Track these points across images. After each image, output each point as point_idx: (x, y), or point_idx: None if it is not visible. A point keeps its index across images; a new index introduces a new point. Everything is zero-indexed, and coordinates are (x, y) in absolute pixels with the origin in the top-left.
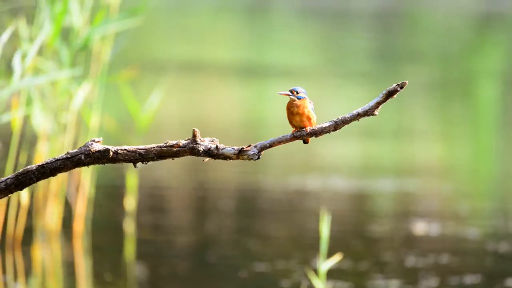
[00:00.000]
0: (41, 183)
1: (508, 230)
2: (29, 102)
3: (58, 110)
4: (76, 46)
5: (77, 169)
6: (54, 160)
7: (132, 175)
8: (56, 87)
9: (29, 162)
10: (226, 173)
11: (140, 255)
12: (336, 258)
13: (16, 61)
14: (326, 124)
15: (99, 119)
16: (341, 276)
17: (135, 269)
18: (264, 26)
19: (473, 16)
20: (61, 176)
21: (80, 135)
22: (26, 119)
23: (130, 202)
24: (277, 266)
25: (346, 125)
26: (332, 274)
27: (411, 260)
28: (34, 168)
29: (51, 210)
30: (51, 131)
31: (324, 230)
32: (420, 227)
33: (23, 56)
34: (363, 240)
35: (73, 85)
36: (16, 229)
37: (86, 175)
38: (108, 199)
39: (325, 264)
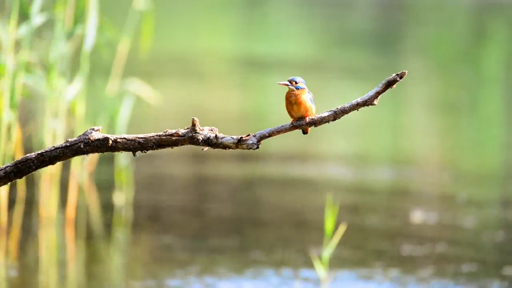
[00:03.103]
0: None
1: (505, 219)
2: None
3: (52, 99)
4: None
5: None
6: (53, 148)
7: (129, 164)
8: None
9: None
10: (225, 162)
11: (135, 241)
12: (335, 243)
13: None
14: (326, 114)
15: (84, 108)
16: (339, 264)
17: (130, 256)
18: (263, 16)
19: (472, 5)
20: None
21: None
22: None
23: (127, 190)
24: (276, 254)
25: (345, 115)
26: (329, 262)
27: (408, 249)
28: (33, 156)
29: (46, 196)
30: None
31: (329, 218)
32: (417, 216)
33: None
34: (361, 229)
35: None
36: (11, 215)
37: (77, 162)
38: (105, 186)
39: (326, 252)
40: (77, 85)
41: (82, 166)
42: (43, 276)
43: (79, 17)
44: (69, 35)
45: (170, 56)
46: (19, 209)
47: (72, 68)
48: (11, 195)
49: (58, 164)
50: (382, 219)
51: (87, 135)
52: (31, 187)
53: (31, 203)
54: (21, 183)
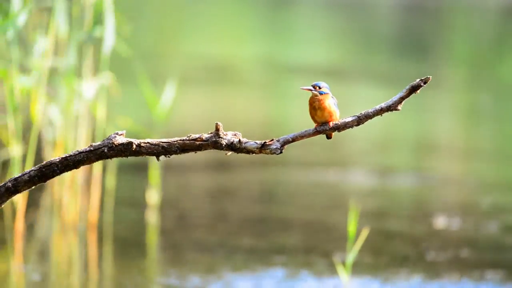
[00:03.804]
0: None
1: None
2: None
3: (68, 103)
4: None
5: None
6: (77, 152)
7: (155, 167)
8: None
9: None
10: (249, 167)
11: (160, 247)
12: (357, 248)
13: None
14: (349, 119)
15: (105, 112)
16: (361, 269)
17: (155, 262)
18: (288, 20)
19: (498, 9)
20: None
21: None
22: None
23: (153, 194)
24: (298, 258)
25: (369, 120)
26: (352, 267)
27: (431, 254)
28: (58, 160)
29: (68, 200)
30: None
31: (352, 223)
32: (440, 222)
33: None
34: (383, 234)
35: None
36: (35, 219)
37: (99, 166)
38: (130, 190)
39: (349, 257)
40: (97, 86)
41: (106, 170)
42: (66, 279)
43: (97, 19)
44: (89, 38)
45: (193, 62)
46: (41, 213)
47: (93, 69)
48: (34, 199)
49: (81, 168)
50: (405, 224)
51: (111, 140)
52: (54, 191)
53: (53, 207)
54: (44, 187)
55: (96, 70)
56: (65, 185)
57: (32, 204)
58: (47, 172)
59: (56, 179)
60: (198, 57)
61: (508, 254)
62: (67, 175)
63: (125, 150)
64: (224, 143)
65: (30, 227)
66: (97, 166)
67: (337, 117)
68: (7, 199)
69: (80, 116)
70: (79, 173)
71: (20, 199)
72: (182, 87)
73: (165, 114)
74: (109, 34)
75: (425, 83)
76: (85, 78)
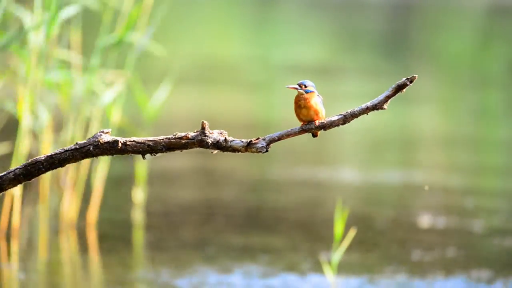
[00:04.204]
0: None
1: None
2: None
3: (81, 105)
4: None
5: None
6: (63, 150)
7: (141, 166)
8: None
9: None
10: (235, 164)
11: (148, 245)
12: (345, 247)
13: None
14: (335, 118)
15: (120, 115)
16: (348, 268)
17: (141, 259)
18: (276, 19)
19: (484, 8)
20: (83, 166)
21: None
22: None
23: (139, 193)
24: (284, 257)
25: (355, 119)
26: (338, 266)
27: (417, 253)
28: (43, 158)
29: (68, 200)
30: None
31: (338, 222)
32: (426, 221)
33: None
34: (369, 233)
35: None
36: (32, 218)
37: (101, 165)
38: (117, 189)
39: (335, 256)
40: (116, 90)
41: (99, 167)
42: (52, 277)
43: (131, 25)
44: (119, 43)
45: (180, 61)
46: (39, 212)
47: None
48: (31, 198)
49: (79, 167)
50: (391, 223)
51: (97, 138)
52: (52, 189)
53: (52, 206)
54: (41, 185)
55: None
56: (55, 184)
57: (24, 203)
58: (32, 170)
59: (46, 177)
60: (186, 56)
61: (493, 253)
62: (53, 173)
63: (110, 148)
64: (210, 142)
65: (21, 226)
66: (85, 164)
67: (323, 116)
68: None
69: (93, 118)
70: (65, 171)
71: (13, 195)
72: (170, 86)
73: (154, 114)
74: (143, 39)
75: (411, 82)
76: (105, 80)
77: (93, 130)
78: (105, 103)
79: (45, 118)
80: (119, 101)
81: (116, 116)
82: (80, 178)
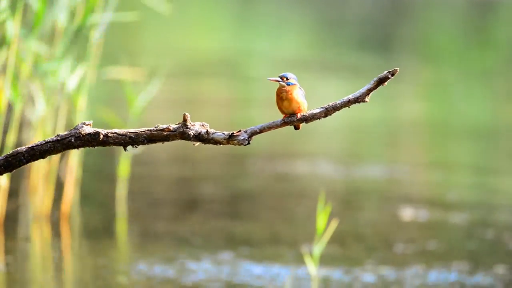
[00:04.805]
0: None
1: (495, 217)
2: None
3: (50, 93)
4: (71, 30)
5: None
6: (44, 142)
7: (124, 159)
8: (48, 70)
9: (18, 145)
10: (217, 157)
11: (129, 237)
12: (326, 241)
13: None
14: (317, 110)
15: (86, 102)
16: (329, 261)
17: (125, 251)
18: (258, 13)
19: (468, 3)
20: (54, 158)
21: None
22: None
23: (121, 186)
24: (266, 250)
25: (337, 112)
26: (320, 259)
27: (398, 246)
28: (24, 150)
29: (41, 191)
30: (41, 114)
31: (320, 215)
32: (408, 213)
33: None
34: (351, 226)
35: (65, 69)
36: (4, 210)
37: (75, 157)
38: (99, 182)
39: (317, 248)
40: (79, 75)
41: (77, 160)
42: (37, 272)
43: (90, 10)
44: (80, 27)
45: (164, 56)
46: (12, 204)
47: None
48: (6, 190)
49: (54, 159)
50: (373, 215)
51: (78, 129)
52: (25, 182)
53: (25, 199)
54: (14, 177)
55: (81, 60)
56: (40, 175)
57: (8, 194)
58: (13, 161)
59: (33, 169)
60: (169, 51)
61: (475, 245)
62: (41, 164)
63: (92, 140)
64: (192, 134)
65: (4, 217)
66: (71, 156)
67: (305, 108)
68: None
69: (60, 106)
70: (51, 163)
71: None
72: (153, 80)
73: (141, 108)
74: (102, 22)
75: (392, 75)
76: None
77: (61, 121)
78: (71, 91)
79: (40, 109)
80: (84, 89)
81: (82, 105)
82: (51, 172)
